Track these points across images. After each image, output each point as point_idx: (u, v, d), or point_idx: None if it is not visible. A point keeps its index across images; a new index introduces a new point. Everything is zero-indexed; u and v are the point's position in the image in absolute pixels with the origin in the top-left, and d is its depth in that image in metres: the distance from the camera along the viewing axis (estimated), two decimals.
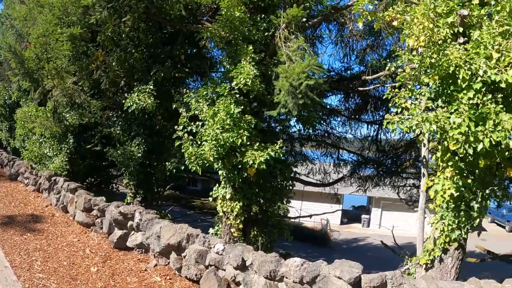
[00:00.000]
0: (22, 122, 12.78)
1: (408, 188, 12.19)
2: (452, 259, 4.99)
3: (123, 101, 7.96)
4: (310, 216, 12.97)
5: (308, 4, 6.90)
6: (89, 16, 8.11)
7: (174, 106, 7.09)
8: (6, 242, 7.08)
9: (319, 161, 12.43)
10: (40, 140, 11.86)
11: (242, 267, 5.07)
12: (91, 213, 7.97)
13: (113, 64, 8.65)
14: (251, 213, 7.29)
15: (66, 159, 10.69)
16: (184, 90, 6.84)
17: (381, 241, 8.43)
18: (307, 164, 11.94)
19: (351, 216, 29.64)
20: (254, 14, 6.91)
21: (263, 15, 6.86)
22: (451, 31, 4.68)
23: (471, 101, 4.22)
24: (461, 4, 4.73)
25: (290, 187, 7.60)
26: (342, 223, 28.18)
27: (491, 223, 28.07)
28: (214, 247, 5.50)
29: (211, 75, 8.81)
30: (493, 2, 4.49)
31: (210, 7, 8.50)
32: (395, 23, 5.26)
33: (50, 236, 7.56)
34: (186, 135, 6.44)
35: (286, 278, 4.52)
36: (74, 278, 5.70)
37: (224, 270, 5.32)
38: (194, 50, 9.01)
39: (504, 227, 26.89)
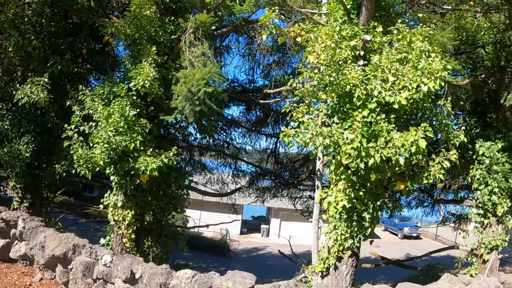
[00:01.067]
0: None
1: (305, 199, 12.67)
2: (346, 267, 5.25)
3: (14, 93, 7.19)
4: (207, 226, 13.01)
5: (220, 13, 6.92)
6: None
7: (68, 103, 6.53)
8: None
9: (217, 171, 12.48)
10: None
11: (131, 280, 4.78)
12: None
13: (9, 49, 7.83)
14: (145, 222, 7.04)
15: None
16: (80, 86, 6.35)
17: (279, 250, 8.65)
18: (206, 174, 11.90)
19: (251, 226, 30.31)
20: (164, 15, 6.74)
21: (172, 17, 6.70)
22: (353, 53, 4.99)
23: (365, 119, 4.49)
24: (365, 30, 5.04)
25: (185, 196, 7.41)
26: (242, 233, 28.65)
27: (385, 231, 30.60)
28: (101, 258, 5.15)
29: (113, 74, 8.32)
30: (395, 31, 4.83)
31: (122, 2, 8.06)
32: (299, 39, 5.50)
33: None
34: (76, 135, 5.94)
35: None
36: None
37: (113, 283, 5.00)
38: (98, 46, 8.39)
39: (396, 235, 29.41)
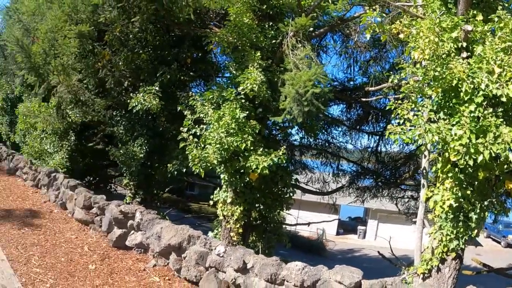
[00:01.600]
0: (24, 117, 12.93)
1: (406, 200, 12.20)
2: (449, 269, 5.01)
3: (128, 101, 8.00)
4: (308, 224, 13.00)
5: (315, 14, 6.99)
6: (98, 14, 8.22)
7: (179, 108, 7.11)
8: (3, 235, 7.05)
9: (318, 171, 12.47)
10: (42, 136, 11.88)
11: (243, 269, 5.09)
12: (90, 211, 7.97)
13: (120, 63, 8.74)
14: (251, 218, 7.34)
15: (67, 156, 10.73)
16: (190, 93, 6.92)
17: (378, 251, 8.47)
18: (306, 173, 11.96)
19: (347, 227, 29.74)
20: (262, 22, 7.03)
21: (271, 23, 6.98)
22: (455, 46, 4.80)
23: (472, 114, 4.33)
24: (465, 20, 4.86)
25: (291, 194, 7.62)
26: (338, 233, 28.21)
27: (487, 238, 28.12)
28: (215, 249, 5.51)
29: (215, 79, 8.86)
30: (496, 19, 4.62)
31: (218, 12, 8.57)
32: (401, 35, 5.37)
33: (48, 232, 7.54)
34: (191, 137, 6.51)
35: (287, 281, 4.56)
36: (72, 275, 5.69)
37: (225, 272, 5.32)
38: (200, 54, 9.08)
39: (499, 243, 26.95)
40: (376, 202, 13.62)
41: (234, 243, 6.77)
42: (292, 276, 4.46)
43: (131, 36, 8.73)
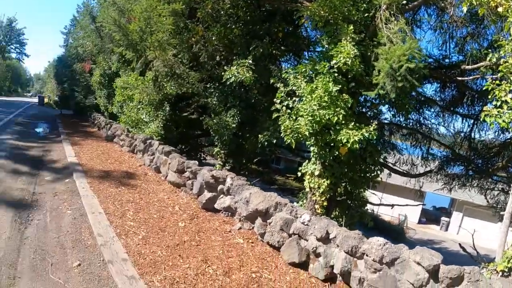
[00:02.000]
0: (122, 90, 14.06)
1: (496, 192, 11.31)
2: None
3: (222, 74, 8.37)
4: (392, 206, 12.59)
5: None
6: None
7: (271, 81, 7.27)
8: (102, 192, 7.88)
9: (407, 153, 11.95)
10: (138, 107, 12.86)
11: (325, 239, 5.18)
12: (183, 174, 8.54)
13: (213, 38, 9.13)
14: (336, 193, 7.37)
15: (161, 125, 11.50)
16: (282, 66, 7.05)
17: (459, 244, 8.09)
18: (395, 154, 11.52)
19: (431, 216, 28.31)
20: None
21: None
22: None
23: None
24: None
25: (378, 172, 7.53)
26: (420, 222, 27.06)
27: None
28: (300, 217, 5.64)
29: (305, 54, 8.92)
30: None
31: None
32: (500, 9, 5.05)
33: (143, 191, 8.23)
34: (284, 108, 6.68)
35: (367, 255, 4.58)
36: (162, 230, 6.18)
37: (307, 240, 5.45)
38: (291, 29, 9.14)
39: None
40: (463, 193, 12.66)
41: (318, 216, 6.87)
42: (372, 251, 4.49)
43: (222, 12, 9.04)
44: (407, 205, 14.66)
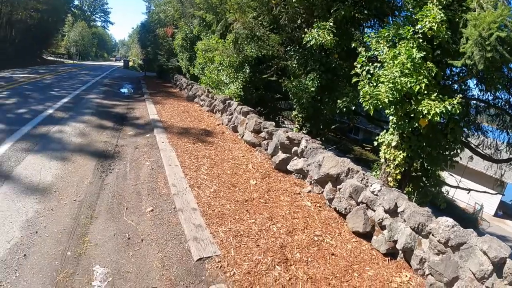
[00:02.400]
0: (203, 52, 14.47)
1: None
2: None
3: (302, 36, 8.20)
4: (469, 190, 11.74)
5: None
6: None
7: (353, 45, 6.97)
8: (179, 147, 8.32)
9: (492, 136, 10.84)
10: (218, 68, 13.11)
11: (393, 212, 4.96)
12: (259, 134, 8.72)
13: (293, 1, 8.92)
14: (411, 168, 7.04)
15: (241, 87, 11.62)
16: (366, 29, 6.75)
17: None
18: (479, 136, 10.54)
19: (508, 210, 25.87)
20: None
21: None
22: None
23: None
24: None
25: (458, 150, 6.99)
26: (496, 214, 24.86)
27: None
28: (371, 186, 5.44)
29: (389, 19, 8.40)
30: None
31: None
32: None
33: (219, 148, 8.53)
34: (364, 73, 6.42)
35: (432, 235, 4.31)
36: (233, 185, 6.37)
37: (374, 210, 5.28)
38: None
39: None
40: None
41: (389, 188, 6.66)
42: (439, 231, 4.19)
43: None
44: (485, 192, 13.65)
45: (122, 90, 20.25)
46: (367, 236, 5.20)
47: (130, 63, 55.62)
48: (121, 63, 61.74)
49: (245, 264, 4.07)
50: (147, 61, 35.33)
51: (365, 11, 8.68)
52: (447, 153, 6.95)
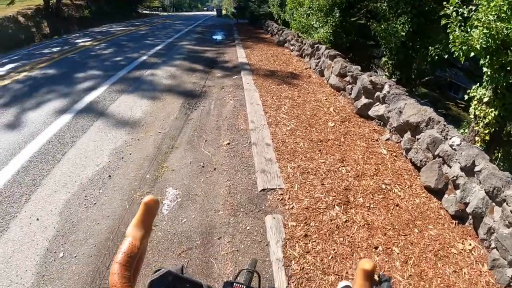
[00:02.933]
0: None
1: None
2: None
3: None
4: None
5: None
6: None
7: None
8: (264, 88, 8.51)
9: None
10: (308, 12, 12.79)
11: (469, 171, 4.41)
12: (344, 78, 8.45)
13: None
14: (503, 131, 6.31)
15: (331, 31, 11.24)
16: None
17: None
18: None
19: None
20: None
21: None
22: None
23: None
24: None
25: None
26: None
27: None
28: (450, 139, 4.92)
29: None
30: None
31: None
32: None
33: (303, 90, 8.51)
34: (454, 14, 5.68)
35: (507, 204, 3.70)
36: (311, 125, 6.38)
37: (450, 167, 4.78)
38: None
39: None
40: None
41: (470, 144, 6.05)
42: None
43: None
44: None
45: (214, 37, 20.78)
46: (438, 193, 4.84)
47: (223, 12, 56.47)
48: (214, 13, 62.88)
49: (306, 200, 4.17)
50: (239, 9, 35.54)
51: None
52: None
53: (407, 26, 8.20)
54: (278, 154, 5.20)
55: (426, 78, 10.96)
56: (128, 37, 18.70)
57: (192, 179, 4.51)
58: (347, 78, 8.32)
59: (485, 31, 5.10)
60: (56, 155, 5.05)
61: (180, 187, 4.31)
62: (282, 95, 7.97)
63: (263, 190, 4.30)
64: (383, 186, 4.75)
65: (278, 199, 4.16)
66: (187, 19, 39.68)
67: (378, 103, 7.05)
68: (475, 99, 6.09)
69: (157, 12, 59.44)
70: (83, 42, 16.79)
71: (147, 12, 57.64)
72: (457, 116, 19.60)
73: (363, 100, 7.27)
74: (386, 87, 6.78)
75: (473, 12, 5.56)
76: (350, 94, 8.01)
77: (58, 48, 14.91)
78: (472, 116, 6.26)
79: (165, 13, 59.89)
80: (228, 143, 5.56)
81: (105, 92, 7.81)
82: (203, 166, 4.84)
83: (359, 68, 8.19)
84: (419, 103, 6.86)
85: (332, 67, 9.01)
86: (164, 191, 4.22)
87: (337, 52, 9.59)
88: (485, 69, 5.68)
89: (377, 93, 7.03)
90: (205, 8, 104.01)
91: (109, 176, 4.51)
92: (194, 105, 7.30)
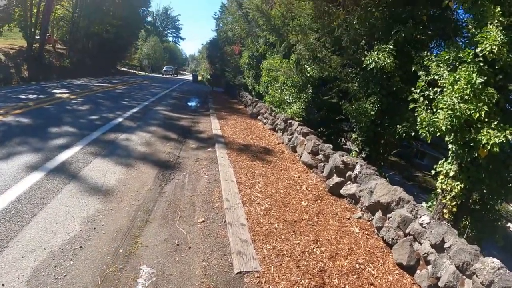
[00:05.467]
0: (267, 71, 14.86)
1: None
2: None
3: (363, 59, 8.18)
4: None
5: None
6: None
7: (413, 68, 6.83)
8: (238, 163, 8.57)
9: None
10: (282, 88, 13.37)
11: (439, 247, 4.64)
12: (316, 156, 8.70)
13: (354, 22, 8.94)
14: (470, 200, 6.61)
15: (303, 107, 11.74)
16: (425, 52, 6.56)
17: None
18: None
19: None
20: None
21: None
22: None
23: None
24: None
25: None
26: None
27: None
28: (420, 217, 5.18)
29: (454, 39, 8.10)
30: None
31: None
32: None
33: (276, 167, 8.62)
34: (421, 99, 6.21)
35: (476, 276, 3.94)
36: (285, 205, 6.42)
37: (421, 244, 4.99)
38: (437, 11, 8.35)
39: None
40: None
41: (439, 221, 6.19)
42: (483, 273, 3.83)
43: None
44: None
45: (189, 104, 21.20)
46: (410, 269, 4.97)
47: (199, 78, 58.01)
48: (189, 77, 64.60)
49: (282, 283, 4.12)
50: (215, 77, 36.79)
51: (428, 32, 8.43)
52: (510, 185, 6.43)
53: (376, 106, 8.70)
54: (254, 235, 5.16)
55: (395, 151, 11.45)
56: (105, 94, 18.87)
57: (166, 258, 4.38)
58: (320, 156, 8.57)
59: (449, 112, 5.52)
60: (25, 216, 4.81)
61: (154, 266, 4.17)
62: (256, 172, 8.06)
63: (240, 272, 4.21)
64: (357, 266, 4.79)
65: (255, 282, 4.08)
66: (163, 82, 40.53)
67: (349, 182, 7.23)
68: (441, 173, 6.39)
69: (134, 71, 60.57)
70: (60, 93, 16.87)
71: (125, 69, 58.62)
72: (423, 183, 20.26)
73: (335, 179, 7.45)
74: (358, 167, 7.01)
75: (437, 94, 6.02)
76: (322, 172, 8.21)
77: (35, 96, 14.95)
78: (439, 190, 6.51)
79: (143, 73, 61.10)
80: (203, 221, 5.47)
81: (79, 152, 7.68)
82: (178, 244, 4.72)
83: (331, 146, 8.50)
84: (387, 175, 7.12)
85: (305, 144, 9.30)
86: (138, 269, 4.07)
87: (309, 130, 9.97)
88: (450, 146, 6.05)
89: (349, 172, 7.25)
90: (183, 72, 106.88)
91: (81, 247, 4.32)
92: (169, 177, 7.23)
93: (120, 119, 12.12)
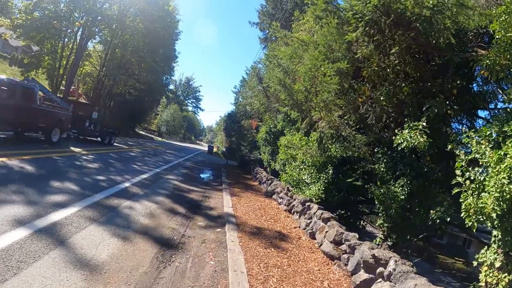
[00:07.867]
0: (285, 149, 14.40)
1: None
2: None
3: (391, 138, 7.58)
4: None
5: None
6: (353, 52, 8.27)
7: (449, 146, 6.11)
8: (249, 250, 7.51)
9: None
10: (300, 167, 12.82)
11: None
12: (339, 246, 7.79)
13: (381, 98, 8.55)
14: None
15: (323, 188, 11.09)
16: (463, 128, 5.96)
17: None
18: None
19: None
20: None
21: None
22: None
23: None
24: None
25: None
26: None
27: None
28: None
29: (477, 112, 7.51)
30: None
31: (478, 32, 7.67)
32: None
33: (292, 257, 7.61)
34: (467, 182, 5.39)
35: None
36: None
37: None
38: (464, 83, 7.96)
39: None
40: None
41: None
42: None
43: (389, 70, 8.46)
44: None
45: (202, 176, 20.68)
46: None
47: (214, 149, 58.52)
48: (206, 148, 65.17)
49: None
50: (230, 150, 36.80)
51: (456, 106, 7.90)
52: None
53: (406, 189, 7.93)
54: None
55: (420, 236, 10.40)
56: (118, 155, 18.62)
57: None
58: (343, 247, 7.61)
59: (497, 195, 4.78)
60: None
61: None
62: (270, 262, 7.04)
63: None
64: None
65: None
66: (178, 149, 40.57)
67: (381, 279, 6.18)
68: (485, 264, 5.44)
69: (152, 136, 61.74)
70: (73, 146, 16.78)
71: (143, 133, 59.76)
72: (445, 264, 18.62)
73: (363, 275, 6.46)
74: (391, 263, 6.00)
75: (478, 174, 5.30)
76: (347, 265, 7.22)
77: (47, 144, 14.91)
78: (482, 284, 5.50)
79: (160, 139, 62.26)
80: None
81: (75, 215, 6.93)
82: None
83: (357, 236, 7.60)
84: (413, 262, 6.08)
85: (326, 231, 8.40)
86: None
87: (331, 215, 9.11)
88: (495, 232, 5.22)
89: (380, 269, 6.23)
90: (199, 142, 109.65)
91: None
92: (169, 259, 6.27)
93: (127, 184, 11.53)
